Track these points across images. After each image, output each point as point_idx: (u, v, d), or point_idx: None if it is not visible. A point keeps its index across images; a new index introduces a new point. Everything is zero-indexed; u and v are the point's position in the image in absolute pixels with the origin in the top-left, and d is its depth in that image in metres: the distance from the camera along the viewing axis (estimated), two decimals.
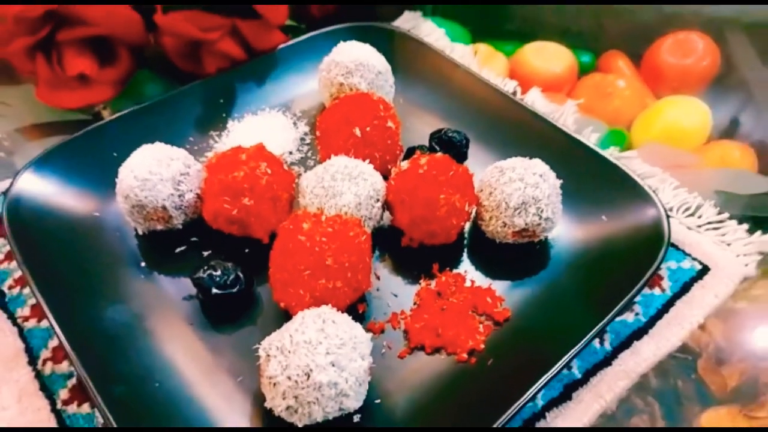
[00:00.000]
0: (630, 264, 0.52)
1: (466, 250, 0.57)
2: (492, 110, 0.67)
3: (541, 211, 0.52)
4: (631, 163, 0.65)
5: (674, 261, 0.57)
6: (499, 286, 0.53)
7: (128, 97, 0.75)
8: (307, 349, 0.41)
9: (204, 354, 0.49)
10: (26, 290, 0.55)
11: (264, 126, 0.67)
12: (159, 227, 0.55)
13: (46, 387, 0.49)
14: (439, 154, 0.55)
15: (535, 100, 0.73)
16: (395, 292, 0.53)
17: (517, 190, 0.52)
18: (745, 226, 0.60)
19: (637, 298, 0.54)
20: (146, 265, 0.55)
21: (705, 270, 0.57)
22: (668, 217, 0.54)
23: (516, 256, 0.55)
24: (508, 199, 0.52)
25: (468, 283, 0.53)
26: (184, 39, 0.70)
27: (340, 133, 0.58)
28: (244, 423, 0.45)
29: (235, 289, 0.50)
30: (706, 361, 0.52)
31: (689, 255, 0.58)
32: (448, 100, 0.70)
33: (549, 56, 0.82)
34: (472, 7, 0.93)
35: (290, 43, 0.74)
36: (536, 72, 0.80)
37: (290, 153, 0.65)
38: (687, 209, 0.62)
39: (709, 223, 0.61)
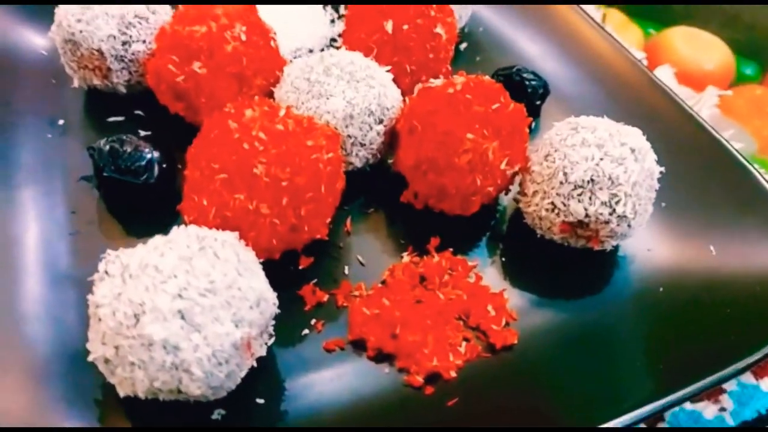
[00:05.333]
0: (733, 328, 0.35)
1: (488, 233, 0.40)
2: (598, 65, 0.50)
3: (617, 202, 0.34)
4: None
5: None
6: (516, 298, 0.37)
7: None
8: (153, 279, 0.26)
9: (62, 248, 0.37)
10: None
11: (294, 12, 0.53)
12: (97, 83, 0.44)
13: None
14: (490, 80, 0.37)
15: (664, 78, 0.54)
16: (364, 260, 0.38)
17: (589, 159, 0.34)
18: None
19: (731, 386, 0.36)
20: (64, 123, 0.44)
21: None
22: None
23: (559, 262, 0.39)
24: (570, 168, 0.34)
25: (472, 278, 0.36)
26: None
27: (365, 25, 0.42)
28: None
29: (139, 180, 0.36)
30: None
31: None
32: (541, 38, 0.53)
33: (701, 47, 0.68)
34: None
35: None
36: (681, 60, 0.66)
37: (310, 51, 0.49)
38: None
39: None
